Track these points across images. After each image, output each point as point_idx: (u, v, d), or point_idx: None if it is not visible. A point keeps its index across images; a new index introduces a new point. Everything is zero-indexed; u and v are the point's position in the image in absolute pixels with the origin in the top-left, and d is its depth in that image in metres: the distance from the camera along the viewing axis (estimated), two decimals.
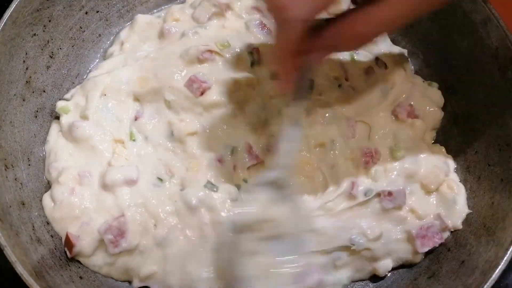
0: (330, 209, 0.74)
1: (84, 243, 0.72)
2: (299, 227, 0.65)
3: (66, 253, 0.72)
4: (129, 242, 0.71)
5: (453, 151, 0.81)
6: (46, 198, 0.76)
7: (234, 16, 0.87)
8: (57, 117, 0.82)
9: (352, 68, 0.83)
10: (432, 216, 0.74)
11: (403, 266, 0.76)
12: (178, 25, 0.86)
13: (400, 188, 0.74)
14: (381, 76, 0.83)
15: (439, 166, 0.77)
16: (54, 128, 0.81)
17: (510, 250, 0.65)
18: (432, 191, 0.76)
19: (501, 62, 0.75)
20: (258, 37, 0.83)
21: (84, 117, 0.79)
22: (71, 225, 0.73)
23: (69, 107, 0.81)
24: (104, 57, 0.90)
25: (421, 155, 0.78)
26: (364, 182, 0.75)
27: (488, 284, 0.64)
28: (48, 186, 0.78)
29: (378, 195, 0.74)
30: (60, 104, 0.82)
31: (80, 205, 0.73)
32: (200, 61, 0.80)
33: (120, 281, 0.74)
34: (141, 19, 0.89)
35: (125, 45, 0.87)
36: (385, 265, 0.74)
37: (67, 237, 0.72)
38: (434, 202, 0.76)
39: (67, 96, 0.83)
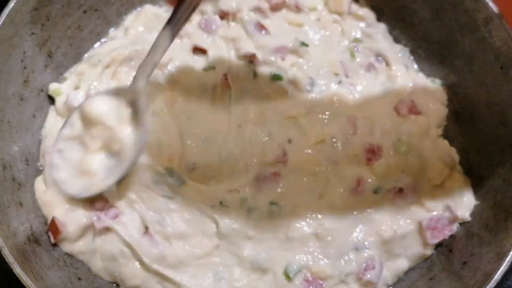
0: (337, 207, 0.74)
1: (70, 230, 0.71)
2: None
3: (50, 238, 0.72)
4: (116, 211, 0.72)
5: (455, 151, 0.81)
6: (39, 181, 0.76)
7: (238, 24, 0.86)
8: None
9: (352, 64, 0.83)
10: (441, 208, 0.75)
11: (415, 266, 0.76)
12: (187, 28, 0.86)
13: (410, 184, 0.74)
14: (382, 73, 0.83)
15: (444, 159, 0.78)
16: (52, 114, 0.82)
17: None
18: (438, 184, 0.77)
19: (504, 61, 0.74)
20: (257, 40, 0.83)
21: (77, 88, 0.81)
22: (58, 209, 0.72)
23: (61, 89, 0.81)
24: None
25: (425, 150, 0.78)
26: (369, 179, 0.75)
27: (490, 285, 0.64)
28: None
29: (388, 191, 0.74)
30: (53, 86, 0.82)
31: None
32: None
33: (109, 282, 0.73)
34: (150, 9, 0.90)
35: (130, 31, 0.88)
36: (401, 266, 0.74)
37: (52, 222, 0.71)
38: (442, 195, 0.76)
39: (66, 74, 0.84)
